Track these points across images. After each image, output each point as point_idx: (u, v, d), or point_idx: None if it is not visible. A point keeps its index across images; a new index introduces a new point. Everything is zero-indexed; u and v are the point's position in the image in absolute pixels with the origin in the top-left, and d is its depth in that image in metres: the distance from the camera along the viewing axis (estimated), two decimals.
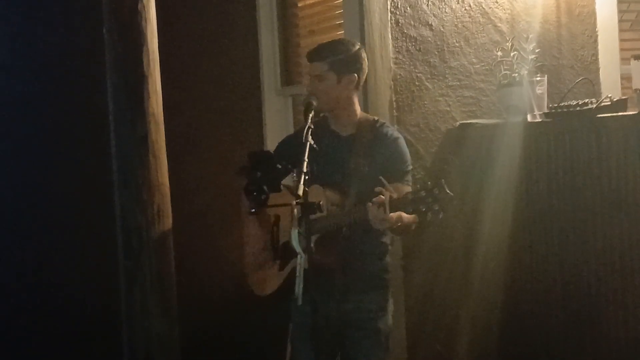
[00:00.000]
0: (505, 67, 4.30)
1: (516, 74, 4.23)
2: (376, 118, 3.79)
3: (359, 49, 3.68)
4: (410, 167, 3.67)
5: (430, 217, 3.16)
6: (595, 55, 4.76)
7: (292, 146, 3.69)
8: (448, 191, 3.09)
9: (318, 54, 3.65)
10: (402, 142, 3.68)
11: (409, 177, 3.62)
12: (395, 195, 3.22)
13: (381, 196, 3.19)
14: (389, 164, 3.55)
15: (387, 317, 3.69)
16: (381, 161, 3.55)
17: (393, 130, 3.73)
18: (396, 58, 4.34)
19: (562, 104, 3.96)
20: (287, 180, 3.51)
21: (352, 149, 3.60)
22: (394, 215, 3.24)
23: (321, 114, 3.65)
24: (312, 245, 3.18)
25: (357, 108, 3.72)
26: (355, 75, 3.63)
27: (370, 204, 3.25)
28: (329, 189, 3.44)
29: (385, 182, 3.24)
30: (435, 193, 3.11)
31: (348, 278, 3.56)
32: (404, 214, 3.35)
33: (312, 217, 3.19)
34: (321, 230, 3.39)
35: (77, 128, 4.83)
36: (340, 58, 3.60)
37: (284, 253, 3.65)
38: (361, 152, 3.58)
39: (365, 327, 3.63)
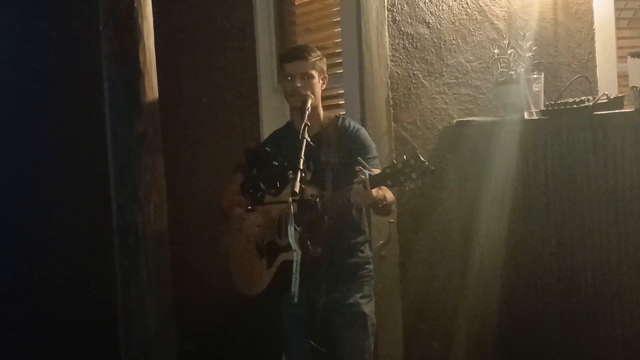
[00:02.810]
0: (502, 65, 4.31)
1: (513, 72, 4.24)
2: (337, 115, 3.91)
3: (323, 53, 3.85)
4: (376, 154, 3.76)
5: (409, 186, 3.23)
6: (592, 53, 4.77)
7: (273, 146, 3.77)
8: (423, 159, 3.15)
9: (301, 53, 3.76)
10: (364, 132, 3.81)
11: (377, 162, 3.70)
12: (373, 173, 3.29)
13: (362, 176, 3.25)
14: (354, 154, 3.61)
15: (372, 305, 3.78)
16: (348, 152, 3.65)
17: (354, 123, 3.84)
18: (393, 55, 4.34)
19: (559, 101, 3.96)
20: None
21: (320, 145, 3.68)
22: (374, 191, 3.30)
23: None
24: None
25: (321, 107, 3.85)
26: (326, 75, 3.80)
27: (353, 187, 3.32)
28: (305, 184, 3.45)
29: (362, 161, 3.32)
30: (412, 163, 3.16)
31: (334, 269, 3.64)
32: (387, 193, 3.45)
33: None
34: (306, 220, 3.45)
35: (74, 125, 4.81)
36: (317, 59, 3.75)
37: (270, 251, 3.72)
38: (329, 147, 3.69)
39: (352, 313, 3.71)
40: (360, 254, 3.78)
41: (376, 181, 3.26)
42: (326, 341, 3.61)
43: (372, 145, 3.76)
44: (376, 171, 3.53)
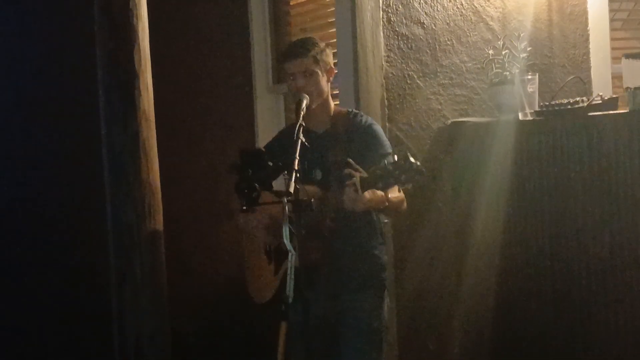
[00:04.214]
0: (497, 66, 4.31)
1: (508, 73, 4.25)
2: (349, 109, 3.77)
3: (327, 44, 3.69)
4: (391, 150, 3.59)
5: (400, 188, 3.14)
6: (586, 54, 4.77)
7: (281, 144, 3.70)
8: (413, 160, 3.02)
9: (300, 49, 3.60)
10: (377, 127, 3.66)
11: (392, 159, 3.49)
12: (365, 175, 3.14)
13: (354, 179, 3.12)
14: (367, 151, 3.49)
15: (381, 317, 3.65)
16: (358, 149, 3.49)
17: (367, 118, 3.70)
18: (388, 56, 4.34)
19: (554, 102, 3.97)
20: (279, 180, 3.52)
21: (329, 143, 3.58)
22: (367, 194, 3.17)
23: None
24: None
25: (332, 102, 3.72)
26: (333, 67, 3.66)
27: (345, 188, 3.19)
28: (308, 184, 3.35)
29: (352, 163, 3.18)
30: (402, 164, 3.03)
31: (340, 277, 3.51)
32: (392, 194, 3.33)
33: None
34: (305, 222, 3.27)
35: (69, 125, 4.82)
36: (320, 51, 3.60)
37: (277, 256, 3.61)
38: (338, 145, 3.55)
39: (359, 327, 3.59)
40: (373, 260, 3.63)
41: (367, 184, 3.12)
42: (323, 347, 3.53)
43: (387, 141, 3.61)
44: None
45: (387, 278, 3.72)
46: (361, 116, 3.71)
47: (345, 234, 3.51)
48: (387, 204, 3.32)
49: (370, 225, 3.64)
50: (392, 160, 3.09)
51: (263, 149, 3.56)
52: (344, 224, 3.47)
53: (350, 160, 3.21)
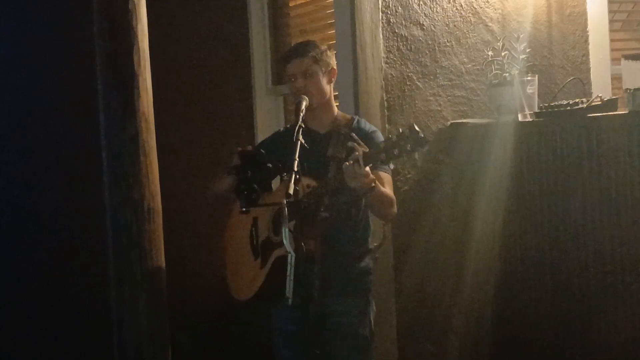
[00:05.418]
0: (496, 67, 4.32)
1: (507, 74, 4.25)
2: (353, 116, 3.78)
3: (329, 47, 3.71)
4: None
5: (405, 158, 3.13)
6: (586, 55, 4.78)
7: (277, 144, 3.69)
8: (418, 130, 3.01)
9: (300, 50, 3.62)
10: (379, 134, 3.66)
11: (390, 166, 3.53)
12: (367, 149, 3.14)
13: (356, 153, 3.12)
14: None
15: (367, 322, 3.62)
16: None
17: (370, 125, 3.71)
18: (387, 57, 4.34)
19: (553, 103, 3.97)
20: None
21: (329, 142, 3.53)
22: (369, 171, 3.18)
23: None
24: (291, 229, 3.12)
25: (334, 104, 3.72)
26: (334, 68, 3.66)
27: (345, 164, 3.17)
28: (305, 177, 3.32)
29: (355, 137, 3.19)
30: (406, 134, 3.02)
31: (327, 282, 3.42)
32: (384, 188, 3.35)
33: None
34: (300, 216, 3.26)
35: (68, 127, 4.82)
36: (320, 52, 3.60)
37: (263, 250, 3.57)
38: (338, 143, 3.50)
39: (345, 333, 3.55)
40: (357, 263, 3.60)
41: (369, 157, 3.12)
42: (311, 352, 3.50)
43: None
44: (383, 173, 3.45)
45: (372, 281, 3.68)
46: (364, 123, 3.71)
47: (337, 227, 3.49)
48: (373, 184, 3.26)
49: (356, 229, 3.61)
50: (396, 132, 3.06)
51: (262, 151, 3.56)
52: (334, 220, 3.43)
53: (354, 134, 3.22)
